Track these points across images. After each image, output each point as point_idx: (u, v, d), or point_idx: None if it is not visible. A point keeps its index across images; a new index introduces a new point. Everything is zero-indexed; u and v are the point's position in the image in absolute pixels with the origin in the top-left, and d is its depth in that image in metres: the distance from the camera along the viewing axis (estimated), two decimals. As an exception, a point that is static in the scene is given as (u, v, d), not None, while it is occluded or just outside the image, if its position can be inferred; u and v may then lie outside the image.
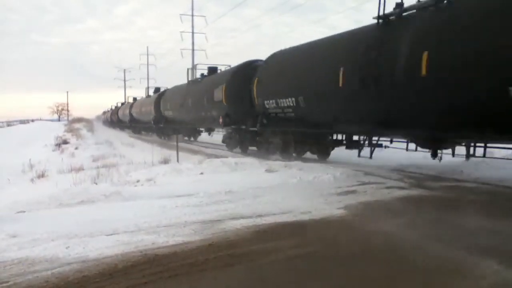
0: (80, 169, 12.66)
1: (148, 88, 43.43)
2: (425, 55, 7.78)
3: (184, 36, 44.40)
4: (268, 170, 9.69)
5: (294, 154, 13.49)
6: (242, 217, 5.48)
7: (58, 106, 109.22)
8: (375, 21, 9.43)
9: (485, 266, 3.70)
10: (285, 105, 12.77)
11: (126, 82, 73.37)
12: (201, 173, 9.66)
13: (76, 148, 22.81)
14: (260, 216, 5.55)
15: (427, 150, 9.89)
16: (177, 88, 26.73)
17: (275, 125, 13.69)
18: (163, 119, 28.90)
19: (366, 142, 10.95)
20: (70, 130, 42.45)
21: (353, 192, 7.29)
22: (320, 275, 3.60)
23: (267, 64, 14.48)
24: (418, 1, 8.71)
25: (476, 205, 6.36)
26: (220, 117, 17.03)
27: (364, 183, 8.14)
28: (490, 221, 5.33)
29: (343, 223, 5.30)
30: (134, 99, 45.18)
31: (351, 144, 12.36)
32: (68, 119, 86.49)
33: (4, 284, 3.38)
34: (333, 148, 13.45)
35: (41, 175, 12.45)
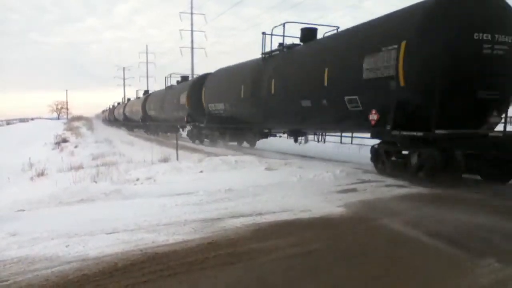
0: (79, 167, 12.66)
1: (147, 86, 44.60)
2: (273, 81, 13.31)
3: (184, 34, 44.53)
4: (268, 168, 9.69)
5: (230, 143, 18.90)
6: (242, 216, 5.49)
7: (57, 105, 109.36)
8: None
9: (485, 263, 3.70)
10: (219, 108, 18.31)
11: (126, 81, 73.53)
12: (201, 172, 9.66)
13: (76, 147, 22.78)
14: (260, 214, 5.55)
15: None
16: (158, 92, 32.74)
17: (215, 122, 19.03)
18: (149, 117, 33.94)
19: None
20: (70, 129, 42.38)
21: (353, 190, 7.29)
22: (320, 274, 3.60)
23: (211, 77, 20.20)
24: (279, 45, 14.00)
25: (476, 202, 6.37)
26: (185, 116, 22.96)
27: (364, 181, 8.15)
28: (489, 219, 5.34)
29: (343, 221, 5.30)
30: (128, 99, 48.32)
31: (263, 136, 17.77)
32: (67, 118, 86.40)
33: (4, 283, 3.38)
34: (258, 138, 18.47)
35: (41, 174, 12.45)
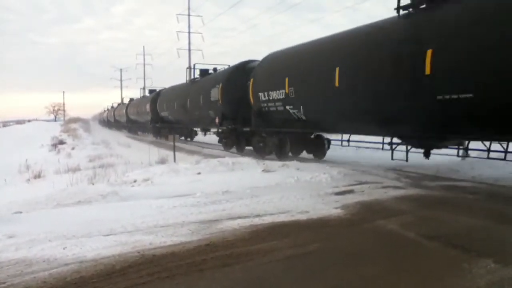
0: (76, 169, 12.64)
1: (144, 88, 43.55)
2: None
3: (181, 36, 44.26)
4: (266, 170, 9.70)
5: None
6: (240, 217, 5.49)
7: (54, 106, 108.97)
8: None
9: (482, 264, 3.72)
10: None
11: (123, 82, 73.19)
12: (198, 173, 9.66)
13: (73, 149, 22.75)
14: (257, 216, 5.55)
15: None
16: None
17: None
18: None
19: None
20: (67, 130, 42.31)
21: (350, 191, 7.31)
22: (317, 275, 3.60)
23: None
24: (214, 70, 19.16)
25: (472, 204, 6.40)
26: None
27: (361, 183, 8.16)
28: (486, 220, 5.36)
29: (340, 222, 5.31)
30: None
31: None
32: (64, 119, 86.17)
33: (2, 285, 3.37)
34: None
35: (38, 176, 12.43)
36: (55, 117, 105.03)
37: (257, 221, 5.30)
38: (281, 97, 12.40)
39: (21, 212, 6.00)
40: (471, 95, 7.03)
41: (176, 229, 4.96)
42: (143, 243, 4.38)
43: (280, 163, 10.74)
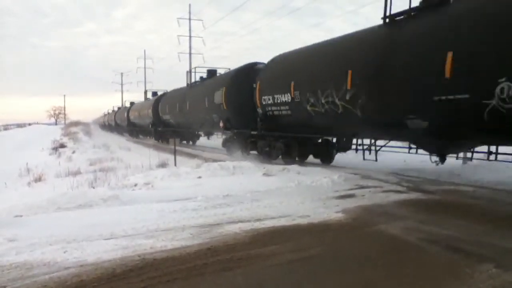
0: (77, 173, 12.65)
1: (146, 91, 43.53)
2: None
3: (182, 40, 44.37)
4: (266, 174, 9.69)
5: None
6: (241, 221, 5.49)
7: (55, 110, 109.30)
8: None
9: (483, 269, 3.71)
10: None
11: (124, 86, 73.32)
12: (199, 177, 9.66)
13: (73, 152, 22.76)
14: (258, 220, 5.55)
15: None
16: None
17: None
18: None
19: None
20: (67, 134, 42.36)
21: (351, 196, 7.30)
22: (318, 279, 3.60)
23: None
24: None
25: (474, 208, 6.39)
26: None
27: (362, 187, 8.16)
28: (487, 225, 5.36)
29: (341, 227, 5.30)
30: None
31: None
32: (65, 123, 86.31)
33: (2, 289, 3.37)
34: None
35: (39, 179, 12.44)
36: (56, 120, 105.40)
37: (258, 225, 5.29)
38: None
39: (22, 216, 6.00)
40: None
41: (177, 233, 4.95)
42: (144, 247, 4.37)
43: (280, 167, 10.73)
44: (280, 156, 13.68)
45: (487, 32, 6.79)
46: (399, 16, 8.97)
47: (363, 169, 11.19)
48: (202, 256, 4.14)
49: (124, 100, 64.81)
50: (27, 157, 18.99)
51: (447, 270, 3.75)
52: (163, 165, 13.03)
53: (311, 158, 13.76)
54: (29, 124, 79.51)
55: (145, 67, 63.41)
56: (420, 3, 8.65)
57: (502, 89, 6.50)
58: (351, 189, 7.97)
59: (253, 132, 14.88)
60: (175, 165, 12.84)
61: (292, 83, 11.88)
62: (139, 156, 16.94)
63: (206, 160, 13.98)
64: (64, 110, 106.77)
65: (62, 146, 27.24)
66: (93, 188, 8.65)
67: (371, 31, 9.76)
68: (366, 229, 5.18)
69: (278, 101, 12.78)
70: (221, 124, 16.90)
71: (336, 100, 10.15)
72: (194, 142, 27.65)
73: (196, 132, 26.29)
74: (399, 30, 8.79)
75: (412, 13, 8.68)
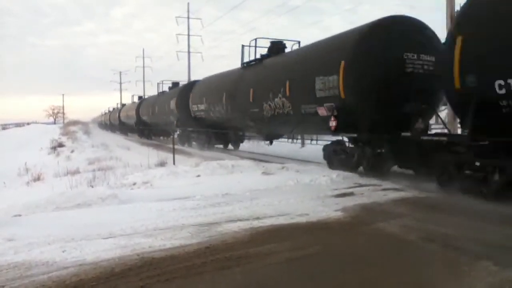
0: (76, 172, 12.63)
1: (144, 90, 44.95)
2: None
3: (180, 38, 44.34)
4: (265, 173, 9.70)
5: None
6: (239, 220, 5.48)
7: (53, 109, 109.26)
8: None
9: (481, 267, 3.72)
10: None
11: (122, 85, 73.17)
12: (198, 176, 9.66)
13: (72, 151, 22.72)
14: (257, 218, 5.55)
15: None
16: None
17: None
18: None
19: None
20: (66, 133, 42.26)
21: (350, 194, 7.30)
22: (317, 278, 3.60)
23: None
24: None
25: (472, 206, 6.38)
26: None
27: (360, 185, 8.16)
28: (486, 222, 5.36)
29: (340, 225, 5.30)
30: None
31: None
32: (63, 122, 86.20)
33: (1, 288, 3.37)
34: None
35: (37, 179, 12.42)
36: (55, 120, 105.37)
37: (256, 223, 5.29)
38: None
39: (20, 215, 6.00)
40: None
41: (176, 232, 4.95)
42: (142, 246, 4.37)
43: (279, 165, 10.74)
44: (205, 145, 20.25)
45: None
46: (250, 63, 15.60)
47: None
48: (201, 254, 4.14)
49: (123, 99, 64.83)
50: (26, 156, 18.95)
51: (446, 268, 3.75)
52: (162, 164, 13.01)
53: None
54: (28, 124, 79.38)
55: (143, 66, 63.38)
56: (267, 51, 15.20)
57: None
58: (350, 187, 7.97)
59: (189, 129, 22.55)
60: (174, 164, 12.83)
61: (204, 98, 19.65)
62: (138, 155, 16.92)
63: (205, 159, 13.98)
64: (63, 109, 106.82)
65: (61, 145, 27.17)
66: (92, 187, 8.64)
67: (233, 71, 17.36)
68: (365, 227, 5.18)
69: (200, 108, 20.26)
70: (174, 124, 24.08)
71: (221, 108, 17.57)
72: (168, 138, 31.56)
73: (168, 130, 29.55)
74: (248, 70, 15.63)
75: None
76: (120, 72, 72.94)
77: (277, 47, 15.17)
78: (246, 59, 15.93)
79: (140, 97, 44.48)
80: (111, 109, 58.51)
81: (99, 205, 6.64)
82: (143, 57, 62.89)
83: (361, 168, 10.04)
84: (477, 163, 6.88)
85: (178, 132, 24.91)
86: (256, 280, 3.55)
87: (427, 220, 5.46)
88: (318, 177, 8.73)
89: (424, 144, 8.25)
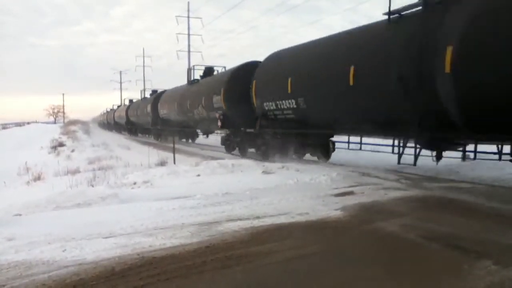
0: (76, 171, 12.64)
1: (144, 90, 43.47)
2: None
3: (180, 38, 44.50)
4: (265, 172, 9.70)
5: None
6: (240, 219, 5.48)
7: (54, 109, 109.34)
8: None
9: (482, 266, 3.72)
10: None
11: (122, 84, 73.29)
12: (198, 175, 9.66)
13: (72, 151, 22.74)
14: (257, 217, 5.55)
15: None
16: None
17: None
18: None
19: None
20: (66, 133, 42.30)
21: (350, 193, 7.30)
22: (318, 277, 3.60)
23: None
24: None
25: (472, 205, 6.39)
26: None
27: (361, 184, 8.16)
28: (486, 221, 5.36)
29: (340, 224, 5.30)
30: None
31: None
32: (64, 122, 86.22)
33: (1, 288, 3.36)
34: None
35: (37, 178, 12.44)
36: (55, 119, 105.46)
37: (256, 223, 5.29)
38: (166, 112, 24.40)
39: (20, 215, 6.00)
40: None
41: (176, 231, 4.95)
42: (142, 245, 4.37)
43: (280, 164, 10.73)
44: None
45: None
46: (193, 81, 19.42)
47: (360, 166, 11.19)
48: (201, 254, 4.14)
49: (123, 98, 64.76)
50: (26, 156, 18.96)
51: (446, 267, 3.75)
52: (162, 163, 13.02)
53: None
54: (28, 123, 79.40)
55: (143, 65, 63.39)
56: (202, 74, 20.71)
57: None
58: (350, 186, 7.97)
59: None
60: (174, 163, 12.83)
61: (166, 105, 25.65)
62: (138, 154, 16.93)
63: (205, 158, 13.99)
64: (63, 109, 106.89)
65: (61, 144, 27.20)
66: (92, 186, 8.65)
67: (182, 87, 22.93)
68: (365, 226, 5.18)
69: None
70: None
71: (175, 113, 23.20)
72: (193, 140, 28.17)
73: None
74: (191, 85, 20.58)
75: None
76: (120, 72, 73.11)
77: (208, 70, 21.51)
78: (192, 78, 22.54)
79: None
80: (114, 108, 58.15)
81: (99, 205, 6.64)
82: (143, 57, 63.02)
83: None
84: None
85: (153, 130, 30.77)
86: (256, 279, 3.55)
87: (428, 219, 5.46)
88: (318, 176, 8.73)
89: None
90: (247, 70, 15.56)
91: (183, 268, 3.76)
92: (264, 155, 14.06)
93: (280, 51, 14.06)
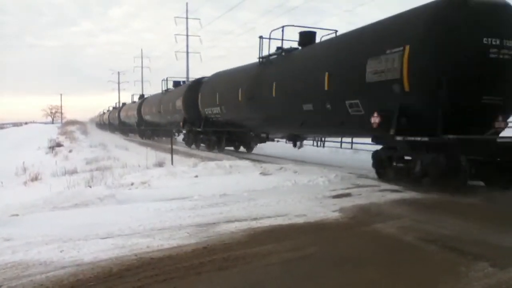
0: (74, 172, 12.63)
1: (142, 90, 44.48)
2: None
3: (179, 38, 44.52)
4: (263, 173, 9.70)
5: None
6: (237, 220, 5.48)
7: (51, 109, 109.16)
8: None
9: (479, 268, 3.73)
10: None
11: (120, 85, 73.22)
12: (196, 176, 9.66)
13: (70, 151, 22.70)
14: (255, 219, 5.55)
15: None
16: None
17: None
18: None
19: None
20: (64, 133, 42.24)
21: (347, 195, 7.31)
22: (315, 278, 3.60)
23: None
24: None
25: (470, 207, 6.41)
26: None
27: (358, 186, 8.17)
28: (483, 223, 5.38)
29: (338, 225, 5.31)
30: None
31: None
32: (61, 122, 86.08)
33: (-2, 288, 3.36)
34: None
35: (35, 178, 12.41)
36: (52, 119, 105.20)
37: (254, 224, 5.29)
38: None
39: (18, 215, 5.98)
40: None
41: (174, 232, 4.95)
42: (140, 246, 4.36)
43: (277, 166, 10.75)
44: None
45: None
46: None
47: (357, 168, 11.20)
48: (199, 255, 4.14)
49: (121, 99, 64.82)
50: (24, 156, 18.93)
51: (443, 269, 3.76)
52: (160, 164, 13.01)
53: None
54: (26, 123, 79.17)
55: (142, 66, 63.37)
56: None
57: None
58: (348, 188, 7.98)
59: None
60: (172, 164, 12.83)
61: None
62: (136, 155, 16.92)
63: (203, 159, 13.99)
64: (61, 109, 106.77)
65: (59, 145, 27.14)
66: (90, 187, 8.63)
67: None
68: (363, 228, 5.19)
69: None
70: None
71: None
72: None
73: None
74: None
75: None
76: (119, 72, 73.01)
77: (177, 83, 25.18)
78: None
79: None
80: (110, 109, 57.87)
81: (97, 205, 6.63)
82: (142, 57, 62.98)
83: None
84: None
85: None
86: (254, 281, 3.56)
87: (425, 221, 5.48)
88: (316, 178, 8.74)
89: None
90: (197, 84, 21.28)
91: (180, 269, 3.76)
92: (208, 147, 19.58)
93: (216, 73, 19.61)
